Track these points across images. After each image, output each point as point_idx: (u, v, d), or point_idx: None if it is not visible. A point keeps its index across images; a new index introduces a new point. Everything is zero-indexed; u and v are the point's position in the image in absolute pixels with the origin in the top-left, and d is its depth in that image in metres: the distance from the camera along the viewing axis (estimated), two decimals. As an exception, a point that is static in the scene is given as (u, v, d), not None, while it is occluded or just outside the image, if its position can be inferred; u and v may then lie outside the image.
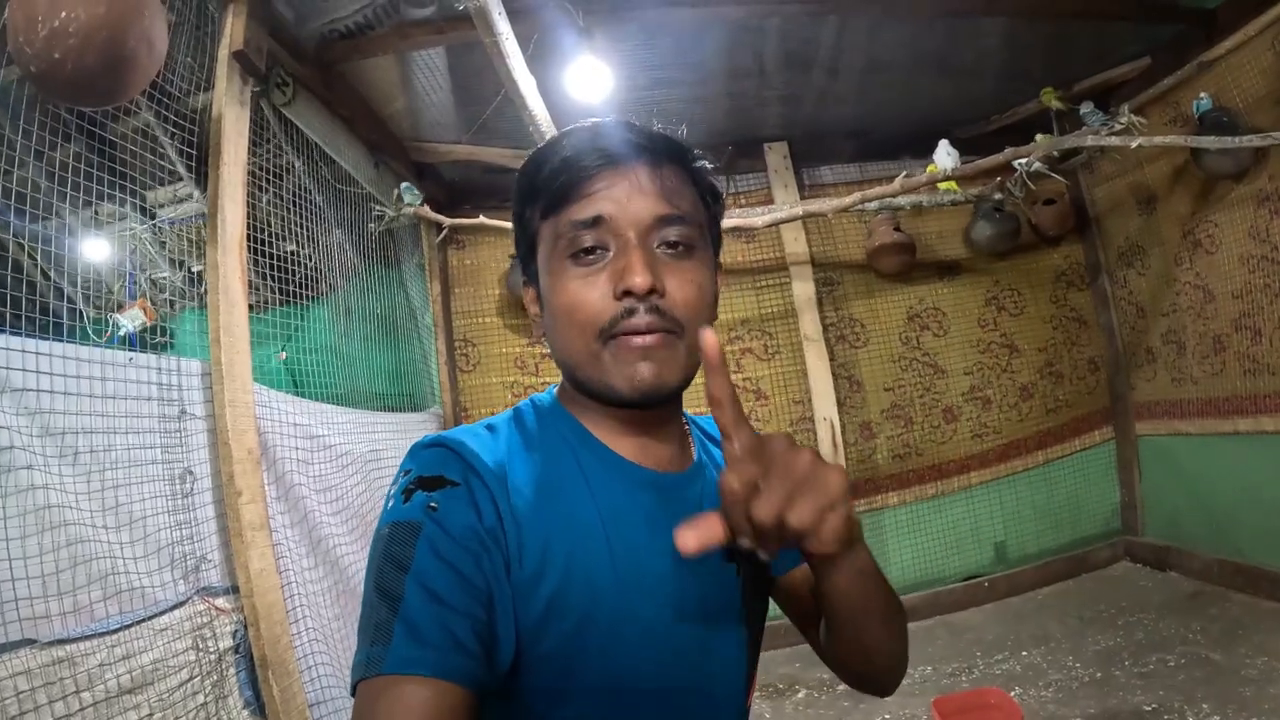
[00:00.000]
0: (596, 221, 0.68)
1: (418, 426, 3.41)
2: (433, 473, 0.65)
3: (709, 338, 0.57)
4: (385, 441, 2.99)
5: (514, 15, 2.33)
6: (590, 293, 0.68)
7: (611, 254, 0.69)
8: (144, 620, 1.60)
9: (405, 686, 0.54)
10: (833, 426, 3.88)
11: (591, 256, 0.69)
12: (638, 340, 0.67)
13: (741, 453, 0.56)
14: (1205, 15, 3.22)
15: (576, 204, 0.69)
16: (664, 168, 0.71)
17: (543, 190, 0.71)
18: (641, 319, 0.67)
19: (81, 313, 3.13)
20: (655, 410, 0.75)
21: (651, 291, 0.66)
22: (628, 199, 0.68)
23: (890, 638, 0.73)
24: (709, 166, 0.77)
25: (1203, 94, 3.11)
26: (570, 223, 0.68)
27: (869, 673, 0.79)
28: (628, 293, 0.66)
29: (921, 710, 2.76)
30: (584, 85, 2.89)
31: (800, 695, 3.14)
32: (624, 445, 0.74)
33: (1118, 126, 2.96)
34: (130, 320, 3.06)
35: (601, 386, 0.70)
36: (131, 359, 1.74)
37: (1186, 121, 3.35)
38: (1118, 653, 2.94)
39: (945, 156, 3.38)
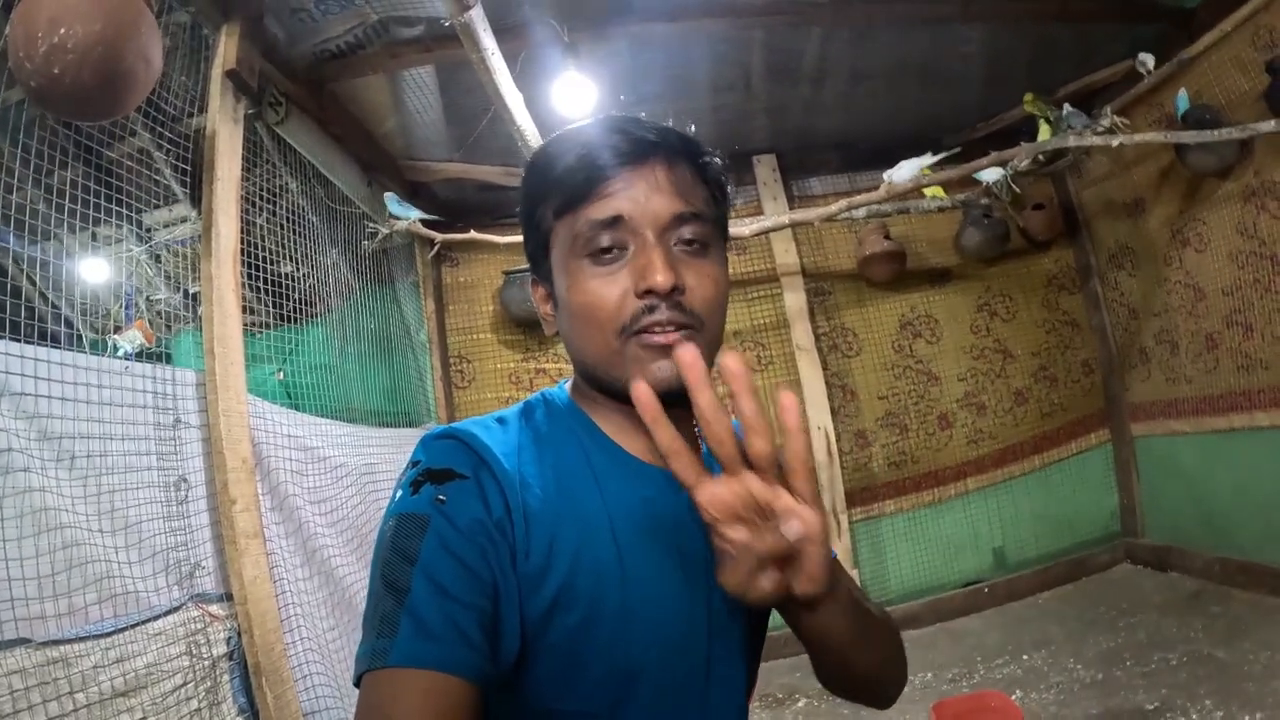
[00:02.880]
0: (615, 221, 0.68)
1: (413, 442, 3.41)
2: (442, 465, 0.66)
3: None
4: (380, 456, 3.00)
5: (500, 33, 2.38)
6: (611, 291, 0.68)
7: (630, 252, 0.69)
8: (138, 624, 1.61)
9: (411, 679, 0.55)
10: (827, 436, 3.88)
11: (610, 255, 0.69)
12: (659, 337, 0.67)
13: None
14: (1185, 15, 3.26)
15: (595, 203, 0.68)
16: (678, 165, 0.72)
17: (557, 189, 0.71)
18: (663, 315, 0.67)
19: (80, 335, 3.16)
20: (669, 409, 0.76)
21: (673, 290, 0.67)
22: (645, 198, 0.68)
23: (878, 664, 0.74)
24: (717, 163, 0.77)
25: (1181, 90, 3.12)
26: (589, 222, 0.68)
27: (861, 692, 0.79)
28: (649, 291, 0.67)
29: (921, 716, 2.74)
30: (570, 100, 2.94)
31: (800, 704, 3.12)
32: (633, 442, 0.75)
33: (1100, 128, 3.00)
34: (129, 342, 3.08)
35: (621, 384, 0.69)
36: (128, 367, 1.77)
37: (1171, 122, 3.35)
38: (1119, 653, 2.92)
39: (907, 168, 3.28)
